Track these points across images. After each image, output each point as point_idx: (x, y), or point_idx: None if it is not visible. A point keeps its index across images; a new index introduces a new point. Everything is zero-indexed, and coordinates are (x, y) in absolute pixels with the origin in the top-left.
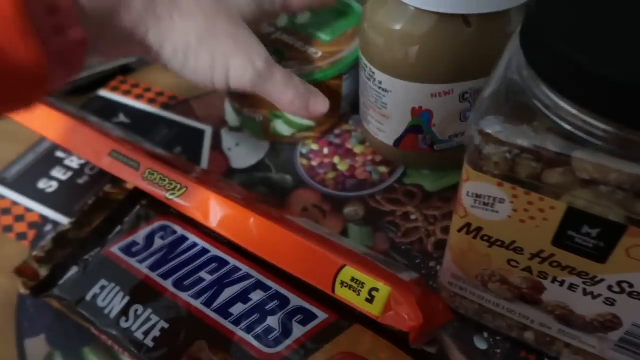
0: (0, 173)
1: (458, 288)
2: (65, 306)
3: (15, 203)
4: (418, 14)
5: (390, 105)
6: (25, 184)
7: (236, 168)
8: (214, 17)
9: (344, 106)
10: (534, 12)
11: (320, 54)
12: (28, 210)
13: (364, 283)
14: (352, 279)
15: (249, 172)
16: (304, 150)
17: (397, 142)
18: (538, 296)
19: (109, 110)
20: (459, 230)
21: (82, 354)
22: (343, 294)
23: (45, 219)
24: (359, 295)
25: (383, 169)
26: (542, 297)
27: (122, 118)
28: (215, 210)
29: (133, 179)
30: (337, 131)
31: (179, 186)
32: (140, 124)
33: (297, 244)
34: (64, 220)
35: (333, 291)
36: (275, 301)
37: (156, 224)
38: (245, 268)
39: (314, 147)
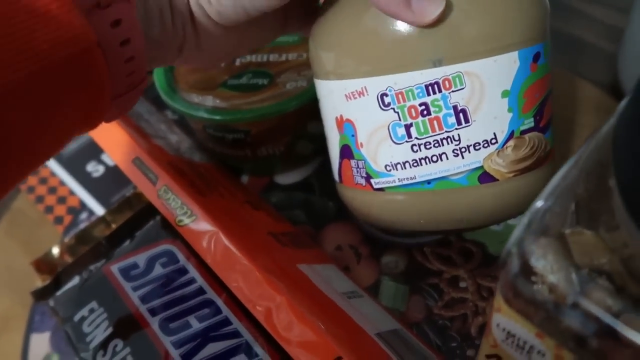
0: None
1: None
2: (56, 320)
3: (62, 183)
4: None
5: (323, 119)
6: (76, 163)
7: (279, 184)
8: None
9: None
10: None
11: (305, 55)
12: (71, 193)
13: None
14: None
15: (290, 191)
16: None
17: (339, 176)
18: None
19: None
20: (488, 357)
21: None
22: None
23: (83, 206)
24: None
25: None
26: None
27: None
28: (216, 251)
29: (149, 194)
30: None
31: (189, 212)
32: None
33: (298, 314)
34: (99, 210)
35: None
36: None
37: (161, 247)
38: (236, 322)
39: None
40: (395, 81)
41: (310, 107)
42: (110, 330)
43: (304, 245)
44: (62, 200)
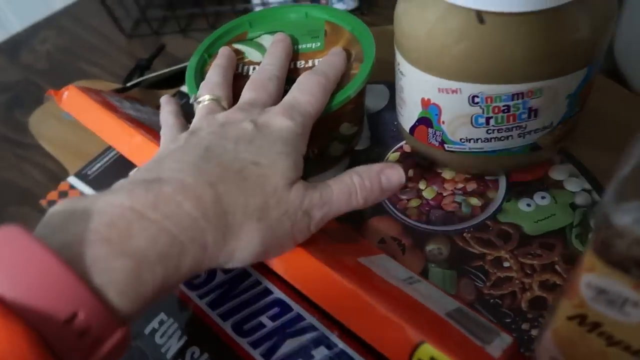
0: (83, 168)
1: None
2: None
3: None
4: None
5: (405, 89)
6: (103, 182)
7: None
8: (265, 213)
9: None
10: None
11: None
12: None
13: None
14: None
15: None
16: None
17: (412, 130)
18: None
19: (188, 108)
20: (570, 319)
21: None
22: None
23: None
24: None
25: (475, 201)
26: None
27: None
28: None
29: None
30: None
31: None
32: None
33: (368, 307)
34: None
35: None
36: None
37: None
38: (309, 317)
39: None
40: (489, 89)
41: (344, 110)
42: (184, 339)
43: (352, 240)
44: None
